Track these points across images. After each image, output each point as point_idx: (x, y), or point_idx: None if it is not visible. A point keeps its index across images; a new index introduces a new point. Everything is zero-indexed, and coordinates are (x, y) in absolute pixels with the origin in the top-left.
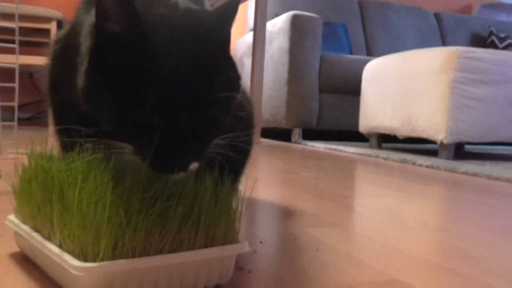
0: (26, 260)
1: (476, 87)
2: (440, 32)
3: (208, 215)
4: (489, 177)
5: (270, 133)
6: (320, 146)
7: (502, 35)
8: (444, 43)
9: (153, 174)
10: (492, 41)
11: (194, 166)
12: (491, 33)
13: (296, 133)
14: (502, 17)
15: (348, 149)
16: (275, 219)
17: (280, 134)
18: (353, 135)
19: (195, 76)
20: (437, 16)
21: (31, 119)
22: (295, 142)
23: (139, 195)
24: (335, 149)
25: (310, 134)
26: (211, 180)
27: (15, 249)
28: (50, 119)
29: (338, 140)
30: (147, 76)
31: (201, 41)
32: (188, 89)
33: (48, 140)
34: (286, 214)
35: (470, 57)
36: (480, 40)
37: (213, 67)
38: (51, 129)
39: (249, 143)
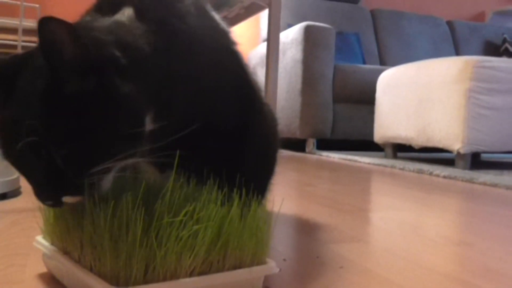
0: (54, 281)
1: (492, 96)
2: (453, 40)
3: (236, 237)
4: (508, 187)
5: (284, 143)
6: (335, 156)
7: None
8: (457, 51)
9: (184, 196)
10: (506, 49)
11: (69, 199)
12: (504, 41)
13: (311, 143)
14: None
15: (363, 159)
16: (296, 235)
17: (294, 144)
18: (367, 145)
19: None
20: (449, 24)
21: None
22: (310, 152)
23: (169, 218)
24: (350, 159)
25: (324, 144)
26: (238, 201)
27: (43, 269)
28: None
29: (352, 150)
30: None
31: None
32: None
33: None
34: (306, 229)
35: (486, 66)
36: (493, 48)
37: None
38: None
39: (272, 158)
